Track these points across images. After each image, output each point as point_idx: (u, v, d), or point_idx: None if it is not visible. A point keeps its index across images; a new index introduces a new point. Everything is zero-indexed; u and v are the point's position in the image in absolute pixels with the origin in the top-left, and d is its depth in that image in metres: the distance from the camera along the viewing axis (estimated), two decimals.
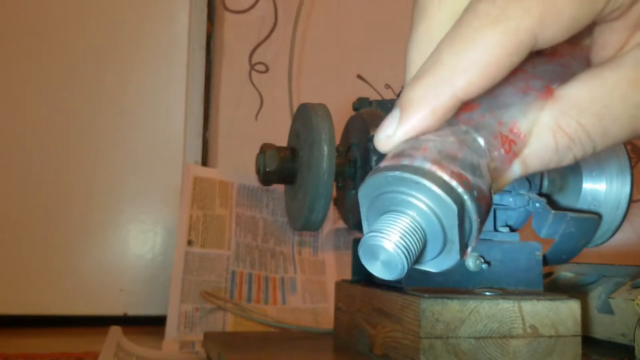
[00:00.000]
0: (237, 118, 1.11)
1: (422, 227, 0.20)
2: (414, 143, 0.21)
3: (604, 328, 0.62)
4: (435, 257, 0.21)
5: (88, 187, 1.05)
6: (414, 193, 0.20)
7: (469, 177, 0.20)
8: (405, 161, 0.21)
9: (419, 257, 0.21)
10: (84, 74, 1.06)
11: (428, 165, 0.20)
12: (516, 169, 0.23)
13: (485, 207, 0.21)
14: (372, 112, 0.61)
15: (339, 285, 0.70)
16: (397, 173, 0.20)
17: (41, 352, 0.78)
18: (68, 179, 1.04)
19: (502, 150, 0.22)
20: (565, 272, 0.70)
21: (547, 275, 0.72)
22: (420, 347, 0.50)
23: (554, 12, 0.20)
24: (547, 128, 0.22)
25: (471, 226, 0.20)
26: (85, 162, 1.05)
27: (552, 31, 0.21)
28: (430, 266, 0.21)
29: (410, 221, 0.20)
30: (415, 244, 0.20)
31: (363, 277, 0.67)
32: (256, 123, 1.11)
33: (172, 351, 0.76)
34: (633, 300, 0.58)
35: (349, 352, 0.63)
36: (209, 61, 1.12)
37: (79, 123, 1.06)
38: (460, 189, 0.20)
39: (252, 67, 1.12)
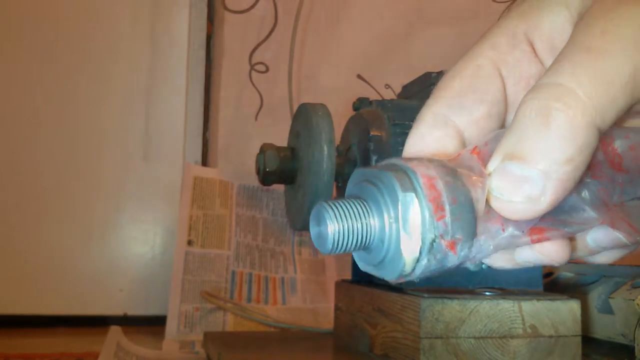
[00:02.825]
0: (237, 118, 1.11)
1: (373, 219, 0.20)
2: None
3: (604, 328, 0.62)
4: (381, 262, 0.21)
5: (88, 187, 1.05)
6: (380, 185, 0.20)
7: (447, 210, 0.20)
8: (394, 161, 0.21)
9: (366, 253, 0.21)
10: (83, 75, 1.06)
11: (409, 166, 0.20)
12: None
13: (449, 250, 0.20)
14: (372, 112, 0.61)
15: (339, 285, 0.70)
16: (376, 168, 0.21)
17: (41, 352, 0.78)
18: (67, 178, 1.04)
19: None
20: (565, 272, 0.70)
21: (547, 275, 0.72)
22: (420, 347, 0.50)
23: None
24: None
25: (423, 243, 0.20)
26: (85, 161, 1.05)
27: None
28: (376, 270, 0.21)
29: (362, 209, 0.20)
30: (358, 231, 0.20)
31: (363, 277, 0.67)
32: (256, 123, 1.11)
33: (172, 351, 0.76)
34: (633, 300, 0.58)
35: (349, 352, 0.63)
36: (209, 61, 1.12)
37: (77, 123, 1.06)
38: (421, 192, 0.20)
39: (252, 67, 1.12)
